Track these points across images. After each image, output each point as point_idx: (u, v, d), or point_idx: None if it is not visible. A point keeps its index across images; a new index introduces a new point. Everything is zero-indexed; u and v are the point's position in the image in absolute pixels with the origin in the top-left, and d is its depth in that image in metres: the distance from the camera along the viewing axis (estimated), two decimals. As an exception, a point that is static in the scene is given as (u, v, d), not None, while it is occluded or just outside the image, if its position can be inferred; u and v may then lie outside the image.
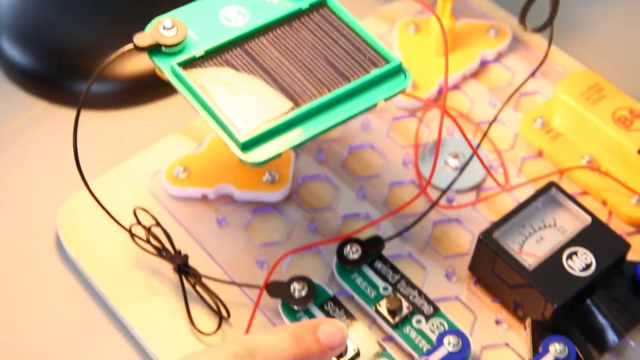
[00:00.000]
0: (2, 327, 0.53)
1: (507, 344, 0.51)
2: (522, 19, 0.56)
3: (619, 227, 0.55)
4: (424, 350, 0.49)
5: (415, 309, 0.51)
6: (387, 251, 0.54)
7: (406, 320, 0.51)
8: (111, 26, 0.64)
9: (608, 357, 0.50)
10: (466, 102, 0.62)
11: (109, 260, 0.54)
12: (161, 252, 0.52)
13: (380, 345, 0.50)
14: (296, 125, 0.46)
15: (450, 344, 0.48)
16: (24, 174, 0.60)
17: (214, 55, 0.48)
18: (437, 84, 0.62)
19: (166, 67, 0.48)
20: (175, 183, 0.56)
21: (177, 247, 0.53)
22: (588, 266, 0.49)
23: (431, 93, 0.62)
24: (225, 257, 0.54)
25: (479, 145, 0.57)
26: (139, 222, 0.52)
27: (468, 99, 0.62)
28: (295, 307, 0.51)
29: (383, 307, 0.51)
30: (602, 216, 0.56)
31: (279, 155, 0.45)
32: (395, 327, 0.50)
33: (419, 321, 0.51)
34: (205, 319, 0.52)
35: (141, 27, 0.48)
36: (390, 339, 0.51)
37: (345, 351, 0.49)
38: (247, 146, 0.45)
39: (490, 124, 0.57)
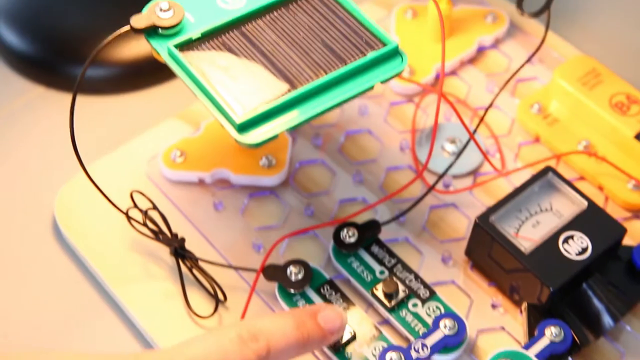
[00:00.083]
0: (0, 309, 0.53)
1: (503, 328, 0.51)
2: (520, 4, 0.56)
3: (615, 212, 0.55)
4: (420, 333, 0.49)
5: (412, 293, 0.51)
6: (383, 236, 0.54)
7: (402, 303, 0.51)
8: (109, 11, 0.64)
9: (604, 341, 0.50)
10: (463, 87, 0.62)
11: (105, 243, 0.54)
12: (158, 235, 0.52)
13: (377, 329, 0.50)
14: (293, 107, 0.46)
15: (446, 327, 0.48)
16: (21, 159, 0.60)
17: (210, 37, 0.48)
18: (435, 69, 0.62)
19: (163, 49, 0.48)
20: (172, 167, 0.56)
21: (174, 230, 0.53)
22: (584, 250, 0.49)
23: (428, 79, 0.62)
24: (221, 240, 0.54)
25: (475, 130, 0.57)
26: (135, 206, 0.52)
27: (465, 84, 0.62)
28: (292, 291, 0.51)
29: (379, 290, 0.51)
30: (599, 201, 0.56)
31: (276, 136, 0.45)
32: (391, 310, 0.50)
33: (415, 305, 0.51)
34: (201, 302, 0.52)
35: (139, 12, 0.48)
36: (386, 322, 0.51)
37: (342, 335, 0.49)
38: (243, 128, 0.45)
39: (487, 109, 0.57)
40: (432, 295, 0.51)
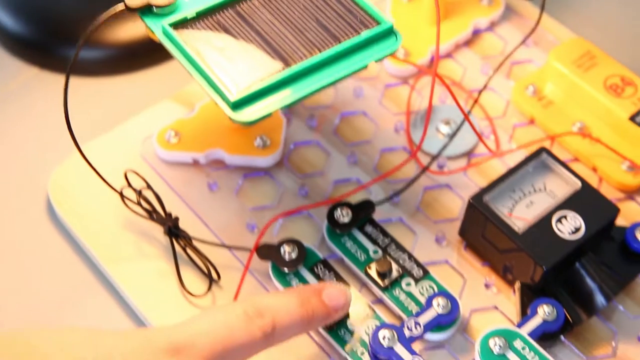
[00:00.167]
0: (-8, 288, 0.53)
1: (496, 307, 0.51)
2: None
3: (609, 193, 0.55)
4: (414, 312, 0.50)
5: (405, 272, 0.51)
6: (377, 216, 0.54)
7: (396, 283, 0.51)
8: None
9: (596, 320, 0.51)
10: (459, 70, 0.62)
11: (99, 223, 0.54)
12: (152, 214, 0.53)
13: (370, 308, 0.50)
14: (286, 85, 0.46)
15: (439, 305, 0.49)
16: (15, 140, 0.60)
17: (205, 16, 0.48)
18: (430, 52, 0.62)
19: (157, 28, 0.48)
20: (167, 147, 0.56)
21: (168, 211, 0.53)
22: (577, 229, 0.50)
23: (423, 61, 0.62)
24: (215, 221, 0.54)
25: (470, 111, 0.57)
26: (129, 185, 0.52)
27: (460, 67, 0.62)
28: (286, 270, 0.51)
29: (373, 270, 0.51)
30: (593, 182, 0.56)
31: (270, 114, 0.45)
32: (384, 289, 0.51)
33: (408, 284, 0.51)
34: (195, 281, 0.52)
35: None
36: (380, 301, 0.51)
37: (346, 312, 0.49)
38: (237, 105, 0.45)
39: (481, 90, 0.57)
40: (426, 274, 0.51)
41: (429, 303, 0.49)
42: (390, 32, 0.48)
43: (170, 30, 0.47)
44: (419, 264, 0.51)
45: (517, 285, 0.50)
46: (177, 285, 0.51)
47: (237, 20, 0.48)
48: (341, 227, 0.52)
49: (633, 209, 0.55)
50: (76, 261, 0.54)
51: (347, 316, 0.49)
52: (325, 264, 0.52)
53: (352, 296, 0.48)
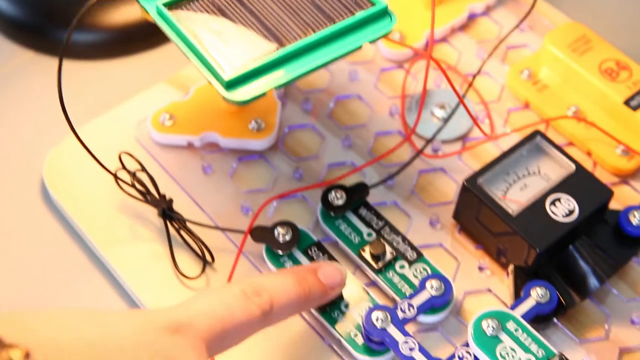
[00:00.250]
0: (-14, 270, 0.53)
1: (489, 290, 0.51)
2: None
3: (603, 177, 0.55)
4: (407, 294, 0.50)
5: (399, 255, 0.51)
6: (372, 199, 0.54)
7: (389, 265, 0.51)
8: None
9: (590, 303, 0.51)
10: (454, 54, 0.62)
11: (93, 205, 0.54)
12: (146, 196, 0.52)
13: (364, 290, 0.50)
14: (280, 65, 0.46)
15: (432, 287, 0.49)
16: (10, 123, 0.60)
17: (199, -4, 0.48)
18: (425, 36, 0.62)
19: (151, 8, 0.47)
20: (161, 130, 0.56)
21: (162, 193, 0.53)
22: (571, 212, 0.50)
23: (419, 45, 0.61)
24: (210, 203, 0.54)
25: (464, 95, 0.57)
26: (124, 167, 0.52)
27: (456, 51, 0.62)
28: (279, 252, 0.51)
29: (367, 252, 0.51)
30: (587, 166, 0.55)
31: (264, 94, 0.45)
32: (378, 272, 0.51)
33: (402, 266, 0.51)
34: (189, 263, 0.52)
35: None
36: (373, 284, 0.51)
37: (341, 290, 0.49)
38: (231, 85, 0.45)
39: (476, 74, 0.57)
40: (420, 257, 0.51)
41: (422, 285, 0.49)
42: (384, 13, 0.48)
43: (165, 10, 0.47)
44: (412, 247, 0.51)
45: (511, 268, 0.50)
46: (171, 267, 0.51)
47: (231, 0, 0.48)
48: (335, 210, 0.52)
49: (627, 193, 0.55)
50: (70, 243, 0.54)
51: (340, 298, 0.49)
52: (319, 247, 0.52)
53: (347, 274, 0.49)
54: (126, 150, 0.54)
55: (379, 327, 0.46)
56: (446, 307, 0.49)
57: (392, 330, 0.46)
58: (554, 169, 0.52)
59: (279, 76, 0.45)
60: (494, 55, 0.61)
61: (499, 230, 0.50)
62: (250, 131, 0.56)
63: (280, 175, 0.56)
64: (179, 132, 0.56)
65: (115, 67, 0.63)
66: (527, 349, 0.46)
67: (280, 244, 0.51)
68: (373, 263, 0.51)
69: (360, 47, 0.47)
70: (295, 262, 0.51)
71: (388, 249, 0.51)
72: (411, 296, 0.48)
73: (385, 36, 0.48)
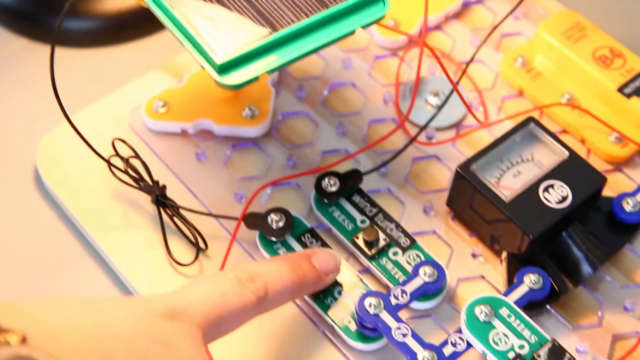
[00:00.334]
0: (-21, 256, 0.53)
1: (483, 277, 0.51)
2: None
3: (597, 164, 0.55)
4: (400, 281, 0.50)
5: (392, 242, 0.51)
6: (365, 186, 0.54)
7: (383, 252, 0.51)
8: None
9: (583, 290, 0.51)
10: (448, 42, 0.62)
11: (87, 192, 0.54)
12: (139, 183, 0.52)
13: (357, 277, 0.50)
14: (273, 49, 0.46)
15: (425, 274, 0.48)
16: (3, 110, 0.59)
17: (192, -19, 0.48)
18: (419, 24, 0.62)
19: (144, -6, 0.47)
20: (155, 117, 0.56)
21: (155, 179, 0.53)
22: (564, 198, 0.50)
23: (412, 33, 0.61)
24: (203, 191, 0.54)
25: (458, 82, 0.57)
26: (117, 153, 0.52)
27: (450, 39, 0.62)
28: (273, 239, 0.51)
29: (360, 239, 0.51)
30: (581, 154, 0.55)
31: (256, 78, 0.45)
32: (371, 258, 0.51)
33: (395, 253, 0.51)
34: (182, 250, 0.52)
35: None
36: (367, 271, 0.51)
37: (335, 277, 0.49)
38: (224, 69, 0.45)
39: (469, 62, 0.57)
40: (413, 243, 0.51)
41: (415, 271, 0.49)
42: (378, -1, 0.48)
43: (157, -4, 0.47)
44: (406, 234, 0.51)
45: (504, 254, 0.50)
46: (165, 254, 0.51)
47: (224, -14, 0.48)
48: (329, 196, 0.52)
49: (620, 180, 0.55)
50: (63, 230, 0.54)
51: (334, 285, 0.49)
52: (313, 234, 0.52)
53: (341, 260, 0.49)
54: (120, 136, 0.54)
55: (371, 313, 0.46)
56: (439, 294, 0.49)
57: (385, 317, 0.46)
58: (547, 156, 0.52)
59: (272, 60, 0.45)
60: (488, 43, 0.61)
61: (492, 217, 0.50)
62: (244, 118, 0.56)
63: (273, 162, 0.56)
64: (173, 119, 0.56)
65: (109, 55, 0.63)
66: (520, 335, 0.46)
67: (273, 231, 0.51)
68: (366, 250, 0.51)
69: (353, 32, 0.47)
70: (289, 249, 0.51)
71: (381, 235, 0.51)
72: (404, 283, 0.48)
73: (378, 21, 0.47)
